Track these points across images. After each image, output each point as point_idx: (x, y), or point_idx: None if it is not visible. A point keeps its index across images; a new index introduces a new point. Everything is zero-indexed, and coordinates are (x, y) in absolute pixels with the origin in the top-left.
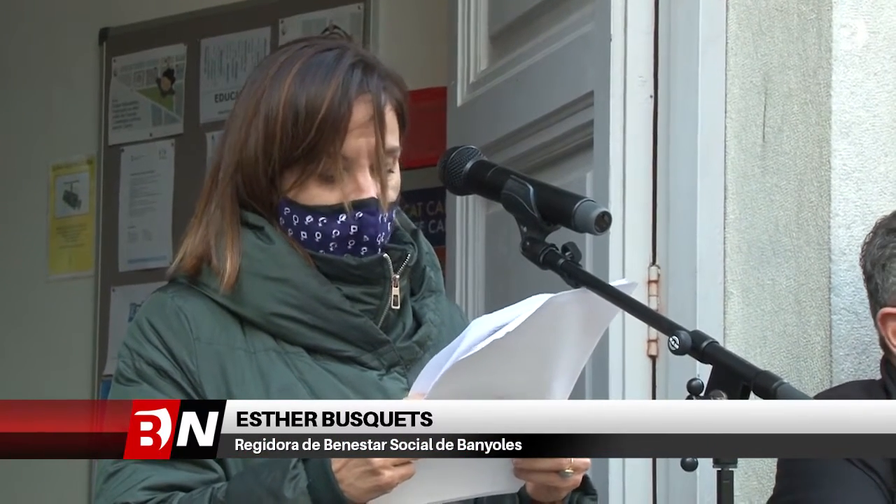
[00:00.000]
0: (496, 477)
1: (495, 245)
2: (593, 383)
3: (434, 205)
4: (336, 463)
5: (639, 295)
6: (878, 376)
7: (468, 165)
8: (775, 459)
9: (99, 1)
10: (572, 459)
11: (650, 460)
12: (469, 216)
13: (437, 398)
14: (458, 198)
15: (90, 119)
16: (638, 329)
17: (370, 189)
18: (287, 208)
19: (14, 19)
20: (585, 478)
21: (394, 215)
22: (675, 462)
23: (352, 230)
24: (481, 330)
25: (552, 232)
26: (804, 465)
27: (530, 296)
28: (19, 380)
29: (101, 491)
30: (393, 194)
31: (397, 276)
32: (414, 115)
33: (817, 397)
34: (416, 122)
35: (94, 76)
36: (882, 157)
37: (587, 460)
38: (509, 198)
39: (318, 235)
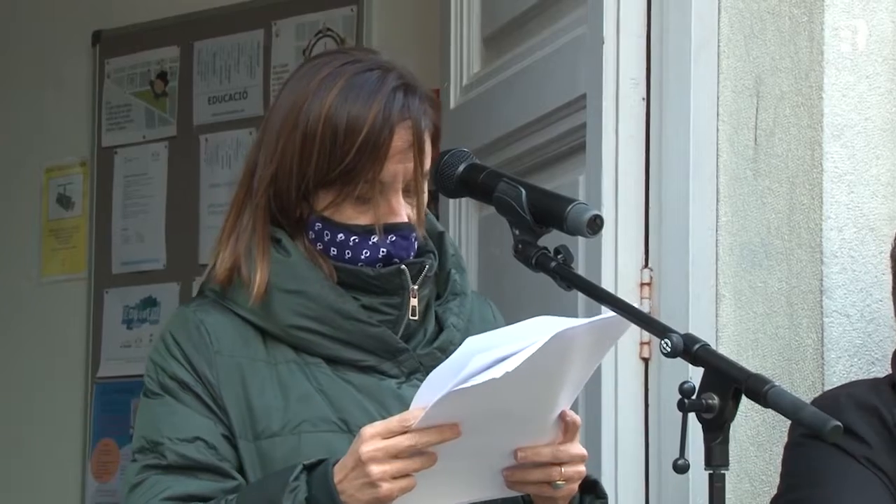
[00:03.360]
0: (491, 484)
1: (488, 247)
2: (586, 385)
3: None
4: (338, 474)
5: (631, 297)
6: (870, 377)
7: (460, 168)
8: (769, 462)
9: (92, 3)
10: (563, 470)
11: (643, 463)
12: (462, 219)
13: (438, 415)
14: (451, 200)
15: (83, 121)
16: (630, 332)
17: (402, 213)
18: (319, 224)
19: (6, 21)
20: (596, 482)
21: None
22: (668, 465)
23: (381, 253)
24: (481, 361)
25: (544, 235)
26: (810, 463)
27: (523, 298)
28: (12, 382)
29: (126, 502)
30: (423, 215)
31: (416, 287)
32: None
33: (824, 394)
34: None
35: (87, 78)
36: (874, 160)
37: (581, 470)
38: (501, 201)
39: (349, 254)
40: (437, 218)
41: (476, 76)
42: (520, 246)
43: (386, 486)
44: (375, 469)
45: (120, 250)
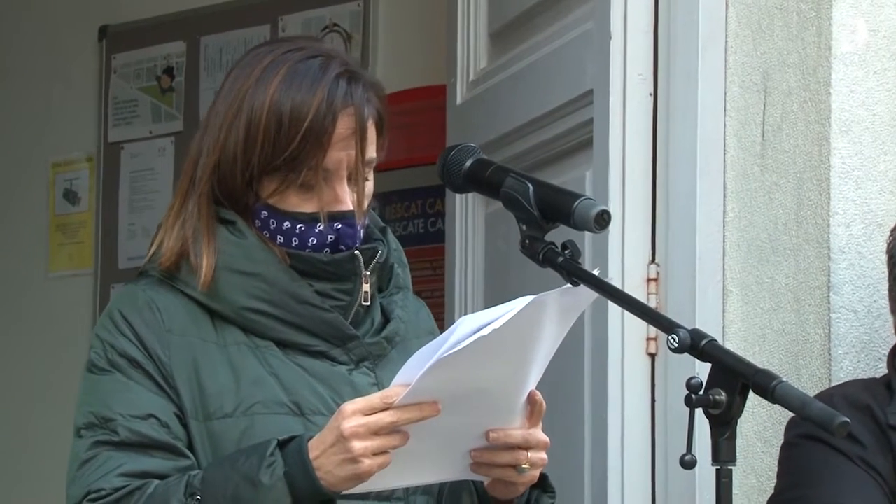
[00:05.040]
0: (456, 466)
1: (495, 243)
2: (592, 381)
3: (434, 202)
4: (314, 450)
5: (638, 293)
6: (878, 375)
7: (468, 163)
8: (776, 458)
9: None
10: (529, 455)
11: (649, 459)
12: (469, 214)
13: (421, 390)
14: (458, 196)
15: (90, 116)
16: (637, 327)
17: (347, 200)
18: (264, 212)
19: (14, 17)
20: (545, 476)
21: (366, 218)
22: (674, 460)
23: (329, 239)
24: (468, 328)
25: (551, 230)
26: (805, 463)
27: (529, 293)
28: (19, 377)
29: (74, 478)
30: (366, 203)
31: (368, 273)
32: (413, 112)
33: (820, 394)
34: (416, 119)
35: (94, 73)
36: (881, 156)
37: (543, 457)
38: (509, 196)
39: (295, 241)
40: (444, 213)
41: (483, 72)
42: (527, 241)
43: (367, 463)
44: (357, 445)
45: (126, 245)
